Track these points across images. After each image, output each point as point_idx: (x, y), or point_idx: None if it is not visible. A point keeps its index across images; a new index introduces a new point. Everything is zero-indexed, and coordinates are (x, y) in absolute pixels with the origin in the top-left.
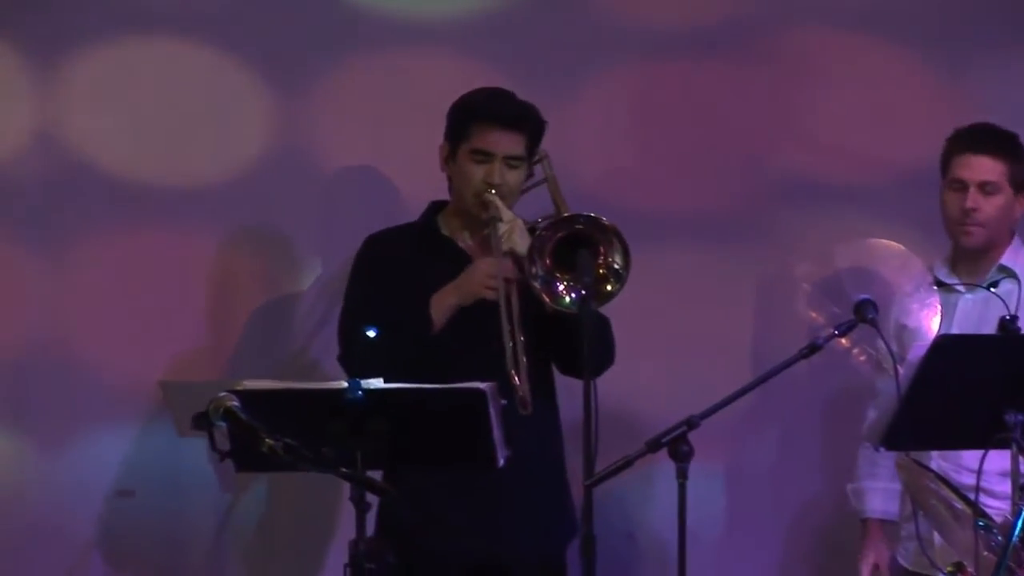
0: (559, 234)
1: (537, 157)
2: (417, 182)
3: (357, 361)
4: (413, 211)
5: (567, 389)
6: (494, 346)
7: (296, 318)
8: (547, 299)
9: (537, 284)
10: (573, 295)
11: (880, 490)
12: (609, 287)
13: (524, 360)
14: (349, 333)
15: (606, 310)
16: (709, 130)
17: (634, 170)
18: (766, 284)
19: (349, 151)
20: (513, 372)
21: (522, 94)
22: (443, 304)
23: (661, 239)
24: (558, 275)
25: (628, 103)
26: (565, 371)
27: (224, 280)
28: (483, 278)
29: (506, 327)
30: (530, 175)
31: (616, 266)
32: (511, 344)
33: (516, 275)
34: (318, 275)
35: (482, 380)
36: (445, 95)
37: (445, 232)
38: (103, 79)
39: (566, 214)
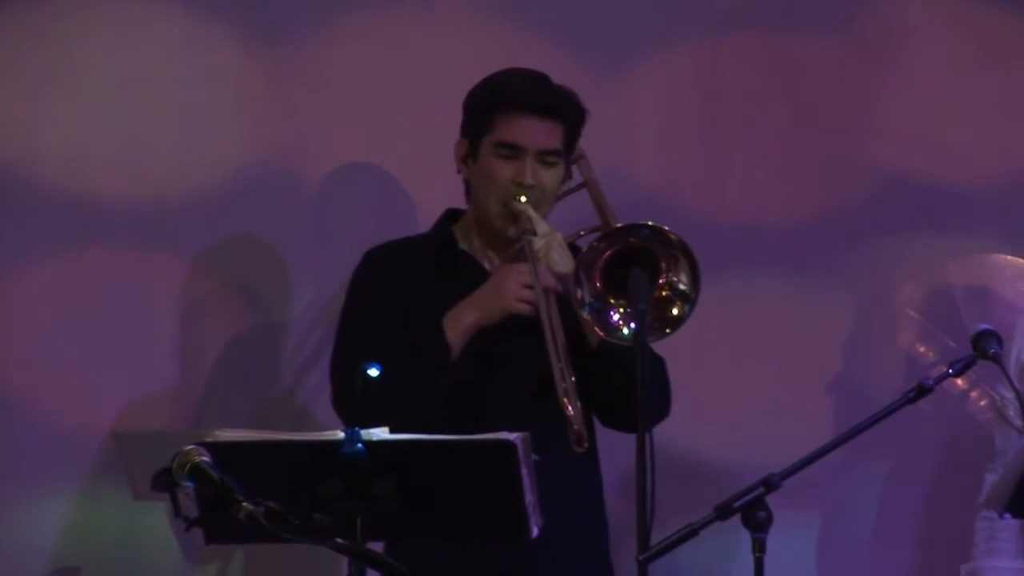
0: (611, 249)
1: (574, 157)
2: (432, 185)
3: (356, 405)
4: (427, 221)
5: (610, 437)
6: (527, 377)
7: (282, 354)
8: (599, 332)
9: (585, 313)
10: (633, 325)
11: (1004, 570)
12: (675, 310)
13: (573, 381)
14: (344, 371)
15: (667, 340)
16: (792, 122)
17: (699, 171)
18: (861, 309)
19: (347, 147)
20: (565, 400)
21: (563, 74)
22: (459, 324)
23: (731, 255)
24: (612, 300)
25: (692, 88)
26: (609, 422)
27: (193, 308)
28: (515, 288)
29: (552, 347)
30: (567, 177)
31: (682, 286)
32: (559, 368)
33: (557, 285)
34: (309, 300)
35: (513, 425)
36: (465, 77)
37: (464, 246)
38: (39, 55)
39: (619, 224)
